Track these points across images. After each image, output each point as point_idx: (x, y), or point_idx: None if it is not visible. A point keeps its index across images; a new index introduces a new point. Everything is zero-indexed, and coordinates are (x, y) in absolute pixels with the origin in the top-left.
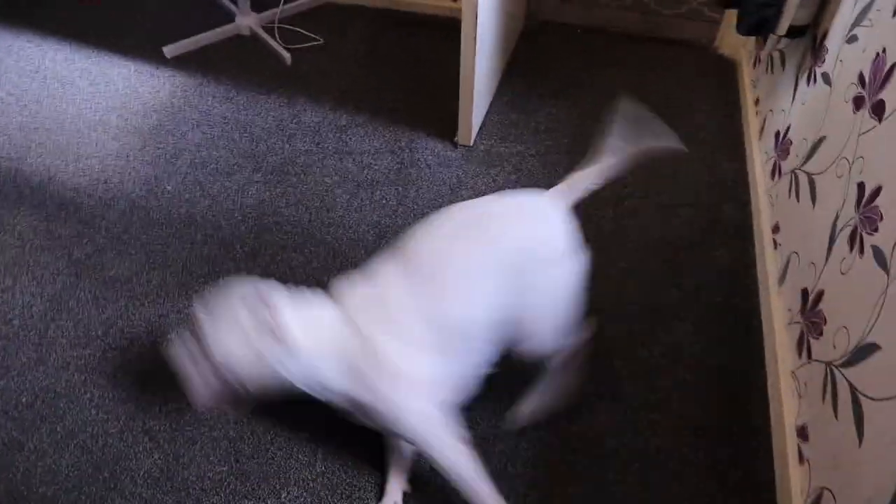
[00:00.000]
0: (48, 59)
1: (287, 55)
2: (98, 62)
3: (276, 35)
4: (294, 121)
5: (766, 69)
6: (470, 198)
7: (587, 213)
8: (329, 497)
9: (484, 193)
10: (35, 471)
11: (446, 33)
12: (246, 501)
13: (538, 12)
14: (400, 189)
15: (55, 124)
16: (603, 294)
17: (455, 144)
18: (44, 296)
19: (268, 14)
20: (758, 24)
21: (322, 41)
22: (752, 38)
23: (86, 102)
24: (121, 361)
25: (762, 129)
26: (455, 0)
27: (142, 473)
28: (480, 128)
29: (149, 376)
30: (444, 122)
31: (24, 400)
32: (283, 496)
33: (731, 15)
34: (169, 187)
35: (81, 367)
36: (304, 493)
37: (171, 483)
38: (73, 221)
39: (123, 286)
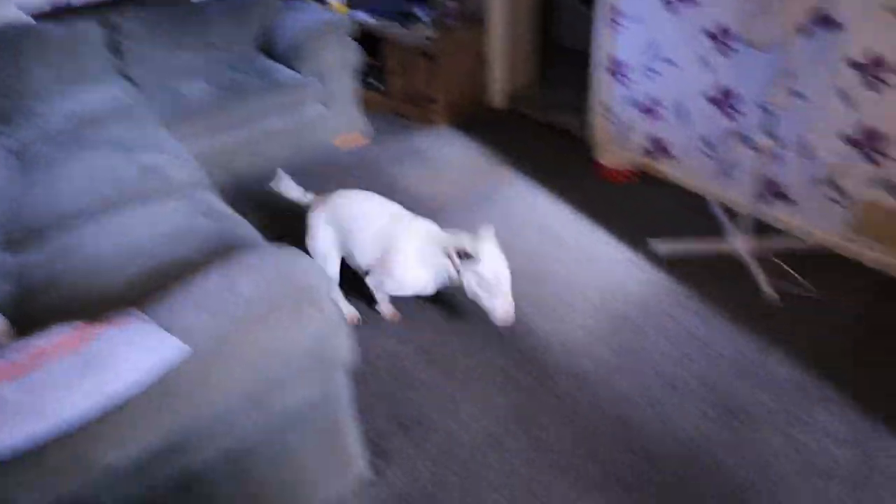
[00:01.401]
0: (554, 219)
1: (773, 295)
2: (595, 237)
3: (767, 269)
4: (762, 368)
5: None
6: None
7: None
8: None
9: None
10: None
11: None
12: None
13: None
14: (855, 492)
15: (542, 279)
16: None
17: None
18: (486, 428)
19: (764, 244)
20: None
21: (814, 292)
22: None
23: (574, 270)
24: None
25: None
26: None
27: None
28: None
29: None
30: None
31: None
32: None
33: None
34: (622, 381)
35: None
36: None
37: None
38: (531, 373)
39: (545, 452)
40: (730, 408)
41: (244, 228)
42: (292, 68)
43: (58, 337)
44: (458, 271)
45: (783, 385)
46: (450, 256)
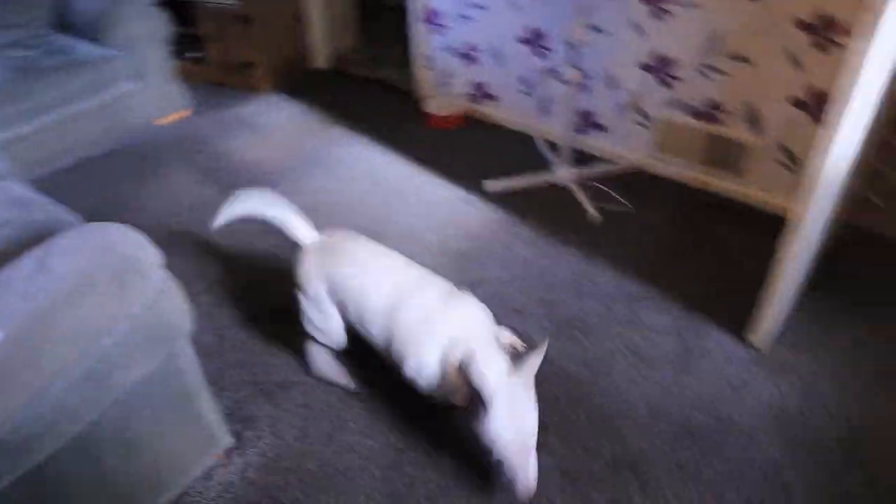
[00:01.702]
0: (392, 171)
1: (596, 215)
2: (430, 182)
3: (590, 192)
4: (589, 280)
5: None
6: (751, 405)
7: None
8: None
9: (768, 404)
10: None
11: (759, 228)
12: None
13: (856, 221)
14: (680, 374)
15: (384, 229)
16: None
17: (745, 343)
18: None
19: (584, 171)
20: None
21: (630, 207)
22: None
23: (413, 216)
24: (394, 461)
25: None
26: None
27: None
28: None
29: (413, 482)
30: (737, 316)
31: (311, 467)
32: None
33: None
34: None
35: (363, 453)
36: None
37: None
38: None
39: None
40: (566, 319)
41: (62, 214)
42: (97, 43)
43: None
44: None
45: (609, 292)
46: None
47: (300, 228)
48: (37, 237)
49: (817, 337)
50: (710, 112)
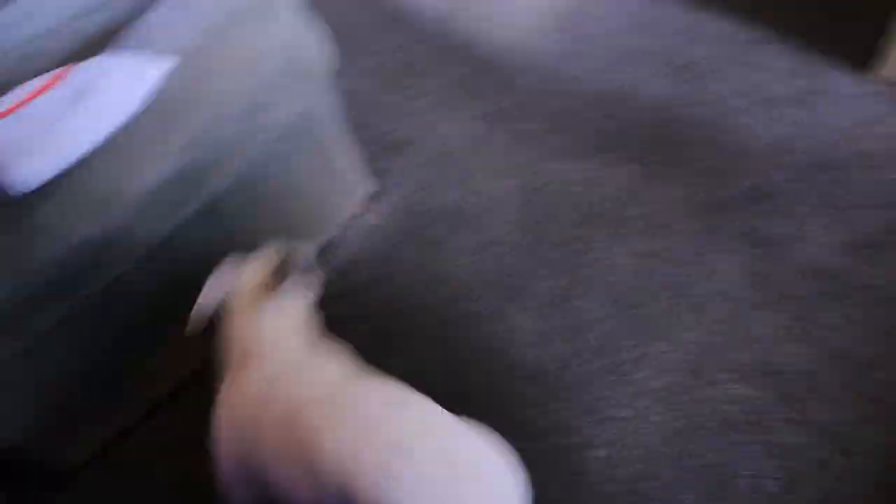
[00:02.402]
0: None
1: None
2: None
3: None
4: (702, 27)
5: None
6: (884, 136)
7: None
8: None
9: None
10: (452, 264)
11: None
12: (625, 342)
13: None
14: (804, 112)
15: None
16: None
17: (873, 78)
18: (465, 135)
19: None
20: None
21: None
22: None
23: None
24: (527, 200)
25: None
26: None
27: (540, 293)
28: None
29: (552, 220)
30: (862, 52)
31: (449, 210)
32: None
33: None
34: (580, 64)
35: (496, 196)
36: None
37: (561, 310)
38: (493, 78)
39: (531, 141)
40: (683, 65)
41: None
42: None
43: (36, 82)
44: None
45: (724, 37)
46: None
47: None
48: None
49: None
50: None
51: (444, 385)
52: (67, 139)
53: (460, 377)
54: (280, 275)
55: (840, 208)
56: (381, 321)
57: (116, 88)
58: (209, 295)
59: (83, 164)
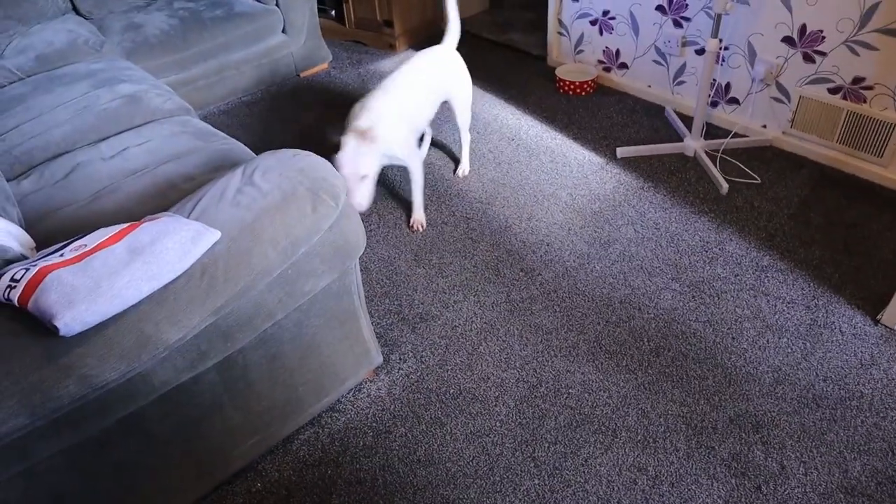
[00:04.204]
0: (523, 131)
1: (724, 184)
2: (561, 145)
3: (718, 164)
4: (718, 247)
5: None
6: (881, 381)
7: None
8: None
9: (895, 381)
10: (445, 448)
11: (893, 210)
12: None
13: None
14: (807, 345)
15: (518, 185)
16: None
17: (876, 322)
18: (482, 318)
19: (714, 143)
20: None
21: (759, 181)
22: None
23: (545, 175)
24: (527, 395)
25: None
26: None
27: (521, 490)
28: None
29: (545, 415)
30: (868, 296)
31: (451, 391)
32: None
33: None
34: (597, 267)
35: (498, 384)
36: None
37: None
38: (517, 268)
39: (544, 335)
40: (693, 283)
41: (241, 148)
42: None
43: (101, 235)
44: None
45: (737, 260)
46: None
47: None
48: (221, 163)
49: None
50: (855, 90)
51: None
52: (117, 294)
53: None
54: None
55: (827, 449)
56: (364, 492)
57: (171, 252)
58: None
59: (123, 314)
